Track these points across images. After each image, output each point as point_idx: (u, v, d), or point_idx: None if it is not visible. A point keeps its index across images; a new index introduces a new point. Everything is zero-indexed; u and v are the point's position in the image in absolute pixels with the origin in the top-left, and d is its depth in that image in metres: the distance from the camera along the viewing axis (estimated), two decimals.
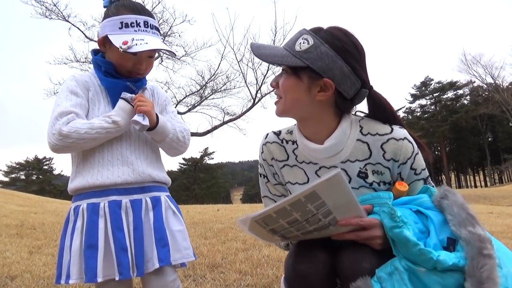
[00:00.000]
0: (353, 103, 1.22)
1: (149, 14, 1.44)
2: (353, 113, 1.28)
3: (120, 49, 1.32)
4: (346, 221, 1.03)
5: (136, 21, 1.37)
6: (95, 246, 1.25)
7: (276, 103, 1.26)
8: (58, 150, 1.32)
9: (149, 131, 1.37)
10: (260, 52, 1.21)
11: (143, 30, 1.38)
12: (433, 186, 1.21)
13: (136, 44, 1.32)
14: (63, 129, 1.27)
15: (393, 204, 1.06)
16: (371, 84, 1.21)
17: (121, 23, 1.36)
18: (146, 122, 1.33)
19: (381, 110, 1.23)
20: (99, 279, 1.22)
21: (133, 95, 1.36)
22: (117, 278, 1.23)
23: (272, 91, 1.30)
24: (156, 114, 1.37)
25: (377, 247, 1.05)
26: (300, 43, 1.15)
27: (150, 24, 1.40)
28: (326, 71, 1.12)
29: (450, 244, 1.00)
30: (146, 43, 1.33)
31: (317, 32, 1.16)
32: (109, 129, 1.31)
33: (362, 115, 1.28)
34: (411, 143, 1.19)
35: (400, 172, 1.21)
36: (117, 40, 1.34)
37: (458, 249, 0.98)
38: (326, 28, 1.18)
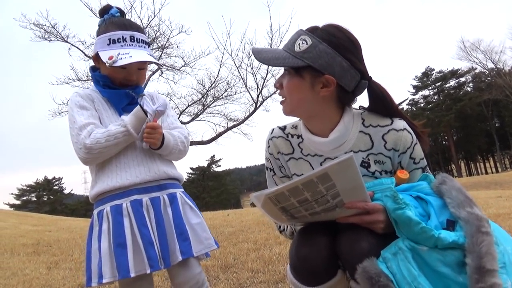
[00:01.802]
0: (354, 95, 1.28)
1: (136, 29, 1.52)
2: (356, 107, 1.34)
3: (106, 64, 1.42)
4: (352, 204, 1.08)
5: (123, 36, 1.47)
6: (123, 244, 1.32)
7: (282, 103, 1.32)
8: (89, 162, 1.44)
9: (154, 149, 1.47)
10: (262, 56, 1.27)
11: (129, 45, 1.47)
12: (431, 174, 1.26)
13: (121, 58, 1.41)
14: (87, 142, 1.37)
15: None
16: (369, 75, 1.27)
17: (109, 39, 1.47)
18: (147, 147, 1.46)
19: (381, 99, 1.28)
20: (132, 274, 1.30)
21: (153, 110, 1.43)
22: (148, 271, 1.31)
23: (274, 93, 1.38)
24: (163, 134, 1.45)
25: (379, 231, 1.10)
26: (299, 44, 1.20)
27: (137, 38, 1.49)
28: (326, 68, 1.18)
29: (450, 225, 1.05)
30: (130, 56, 1.42)
31: (313, 31, 1.22)
32: (125, 133, 1.39)
33: (364, 108, 1.34)
34: (410, 133, 1.26)
35: (400, 161, 1.27)
36: (105, 55, 1.44)
37: (457, 229, 1.03)
38: (322, 26, 1.24)
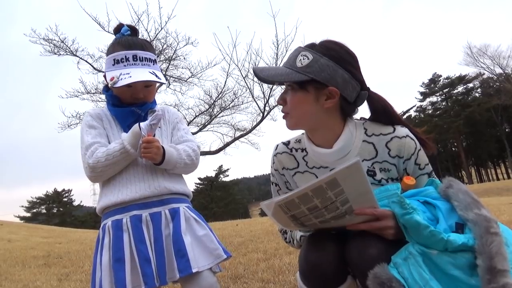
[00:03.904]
0: (356, 105, 1.32)
1: (140, 47, 1.54)
2: (357, 118, 1.37)
3: (109, 85, 1.48)
4: (361, 210, 1.08)
5: (126, 56, 1.50)
6: (122, 259, 1.33)
7: (284, 117, 1.34)
8: (94, 180, 1.48)
9: (156, 165, 1.46)
10: (265, 74, 1.30)
11: (132, 64, 1.50)
12: (437, 179, 1.27)
13: (121, 79, 1.45)
14: (90, 162, 1.42)
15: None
16: (368, 86, 1.31)
17: (114, 60, 1.51)
18: (147, 162, 1.48)
19: (382, 109, 1.31)
20: None
21: (146, 124, 1.42)
22: None
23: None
24: (164, 149, 1.44)
25: (389, 237, 1.10)
26: (300, 59, 1.25)
27: (139, 57, 1.52)
28: (329, 80, 1.22)
29: (459, 228, 1.05)
30: (130, 76, 1.45)
31: (312, 47, 1.27)
32: (122, 151, 1.41)
33: (365, 119, 1.37)
34: (413, 140, 1.28)
35: (405, 168, 1.29)
36: (109, 76, 1.49)
37: (467, 232, 1.03)
38: (319, 42, 1.29)
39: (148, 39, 12.46)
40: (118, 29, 1.60)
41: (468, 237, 1.01)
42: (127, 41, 1.55)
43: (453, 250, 0.99)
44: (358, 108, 1.35)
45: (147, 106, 1.58)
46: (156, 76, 1.52)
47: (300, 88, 1.26)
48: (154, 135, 1.47)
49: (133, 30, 1.61)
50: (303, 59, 1.24)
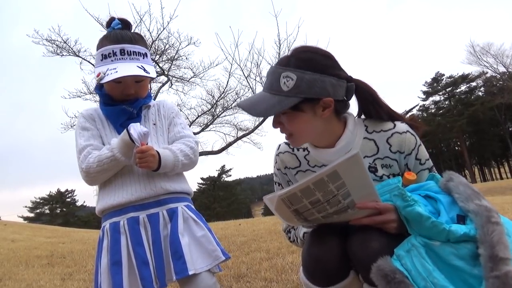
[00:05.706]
0: (347, 99, 1.30)
1: (128, 41, 1.48)
2: (359, 117, 1.37)
3: (96, 81, 1.43)
4: (363, 204, 1.08)
5: (113, 50, 1.45)
6: (119, 262, 1.32)
7: (288, 138, 1.31)
8: (91, 184, 1.47)
9: (153, 171, 1.42)
10: (257, 110, 1.23)
11: (119, 59, 1.45)
12: (438, 174, 1.28)
13: (108, 74, 1.40)
14: (83, 166, 1.41)
15: None
16: (349, 75, 1.28)
17: (102, 55, 1.46)
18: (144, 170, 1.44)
19: (370, 96, 1.30)
20: None
21: (139, 133, 1.37)
22: None
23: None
24: (159, 153, 1.40)
25: (392, 231, 1.10)
26: (284, 82, 1.19)
27: (127, 51, 1.46)
28: (321, 93, 1.20)
29: (460, 220, 1.06)
30: (116, 71, 1.40)
31: (288, 63, 1.21)
32: (112, 158, 1.38)
33: (363, 117, 1.37)
34: (414, 135, 1.29)
35: (406, 163, 1.30)
36: (96, 72, 1.45)
37: (468, 223, 1.04)
38: (292, 54, 1.24)
39: (151, 40, 12.48)
40: (109, 23, 1.55)
41: (469, 227, 1.02)
42: (116, 35, 1.49)
43: (456, 241, 1.00)
44: (349, 102, 1.33)
45: (140, 102, 1.53)
46: (145, 70, 1.45)
47: (295, 110, 1.23)
48: (147, 143, 1.42)
49: (125, 24, 1.56)
50: (287, 81, 1.19)
